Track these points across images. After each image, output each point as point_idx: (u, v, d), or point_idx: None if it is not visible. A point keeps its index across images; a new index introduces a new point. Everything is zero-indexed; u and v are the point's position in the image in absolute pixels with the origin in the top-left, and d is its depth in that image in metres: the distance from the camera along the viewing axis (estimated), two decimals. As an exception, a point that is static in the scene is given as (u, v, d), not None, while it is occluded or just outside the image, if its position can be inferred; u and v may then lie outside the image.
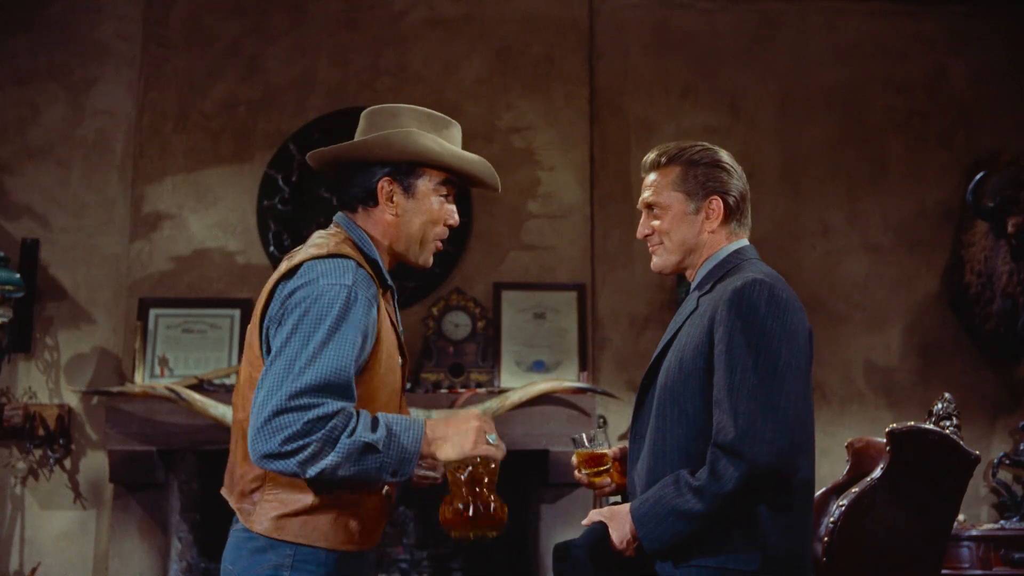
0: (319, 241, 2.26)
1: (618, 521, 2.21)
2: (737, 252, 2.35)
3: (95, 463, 5.22)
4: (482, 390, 5.13)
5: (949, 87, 5.69)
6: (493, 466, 2.46)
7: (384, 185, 2.29)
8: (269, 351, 2.14)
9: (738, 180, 2.36)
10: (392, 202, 2.31)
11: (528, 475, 5.29)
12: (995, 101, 5.67)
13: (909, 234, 5.60)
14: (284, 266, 2.23)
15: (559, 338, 5.39)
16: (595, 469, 2.41)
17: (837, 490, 3.21)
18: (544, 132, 5.57)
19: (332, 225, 2.35)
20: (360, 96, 5.51)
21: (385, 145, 2.25)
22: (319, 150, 2.35)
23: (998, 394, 5.47)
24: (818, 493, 3.24)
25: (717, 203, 2.33)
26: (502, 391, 5.06)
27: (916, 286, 5.57)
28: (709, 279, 2.32)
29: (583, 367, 5.31)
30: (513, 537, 4.95)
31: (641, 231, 2.40)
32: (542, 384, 5.04)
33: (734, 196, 2.34)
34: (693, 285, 2.39)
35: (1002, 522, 4.76)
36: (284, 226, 5.41)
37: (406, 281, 5.39)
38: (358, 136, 2.33)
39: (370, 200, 2.30)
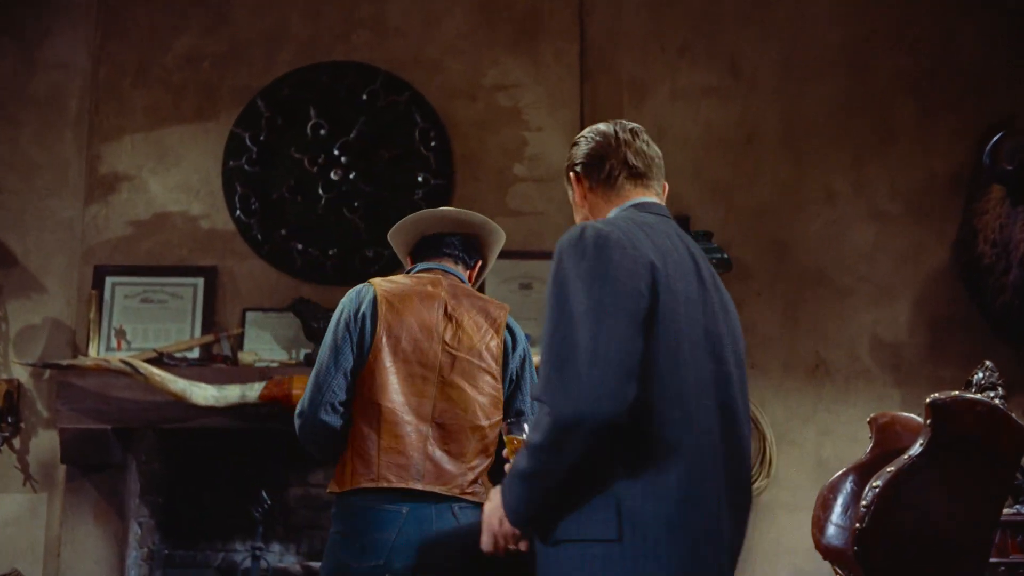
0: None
1: (495, 502, 2.15)
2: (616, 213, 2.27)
3: (46, 443, 4.85)
4: (464, 365, 4.77)
5: (960, 48, 5.35)
6: None
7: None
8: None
9: (585, 145, 2.31)
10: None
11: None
12: (1008, 63, 5.33)
13: (918, 202, 5.26)
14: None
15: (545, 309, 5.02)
16: None
17: (859, 470, 2.90)
18: (531, 90, 5.21)
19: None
20: (334, 50, 5.15)
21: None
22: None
23: (1012, 371, 5.11)
24: (836, 474, 2.92)
25: (572, 176, 2.34)
26: (485, 366, 4.70)
27: (925, 257, 5.24)
28: None
29: (572, 341, 4.95)
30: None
31: None
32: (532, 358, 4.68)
33: (580, 162, 2.31)
34: None
35: (1017, 507, 4.44)
36: (252, 188, 5.05)
37: (384, 248, 5.02)
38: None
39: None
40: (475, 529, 2.21)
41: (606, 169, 2.27)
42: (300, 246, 5.01)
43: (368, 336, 2.76)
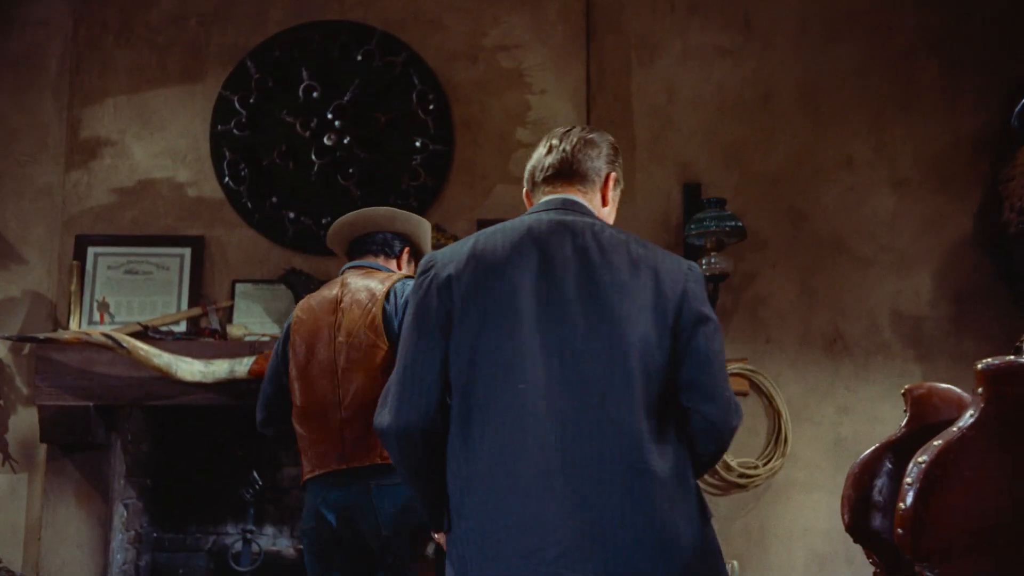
0: None
1: None
2: None
3: (26, 421, 4.62)
4: (464, 339, 4.54)
5: (985, 2, 5.08)
6: None
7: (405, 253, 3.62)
8: None
9: (536, 152, 2.47)
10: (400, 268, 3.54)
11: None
12: (1036, 22, 5.07)
13: (941, 168, 5.02)
14: None
15: (551, 281, 4.78)
16: None
17: (893, 446, 2.66)
18: (535, 51, 4.96)
19: None
20: (327, 8, 4.91)
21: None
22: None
23: (1038, 346, 4.90)
24: (867, 452, 2.68)
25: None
26: (487, 340, 4.48)
27: (948, 225, 4.99)
28: None
29: (578, 314, 4.72)
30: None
31: None
32: (532, 331, 4.46)
33: (527, 169, 2.47)
34: None
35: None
36: (241, 154, 4.80)
37: (379, 217, 4.78)
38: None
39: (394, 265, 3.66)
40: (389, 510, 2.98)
41: (533, 183, 2.44)
42: (292, 215, 4.77)
43: (281, 355, 3.38)
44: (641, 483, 2.07)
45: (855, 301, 4.92)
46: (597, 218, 2.32)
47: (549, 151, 2.40)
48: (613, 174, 2.43)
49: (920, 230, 4.98)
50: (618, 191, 2.46)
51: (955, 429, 2.11)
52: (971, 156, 5.01)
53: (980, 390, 2.12)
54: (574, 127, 2.47)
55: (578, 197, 2.35)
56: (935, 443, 2.10)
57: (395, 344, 3.03)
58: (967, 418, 2.11)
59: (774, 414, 4.77)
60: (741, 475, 4.70)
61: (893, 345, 4.89)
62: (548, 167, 2.38)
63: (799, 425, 4.77)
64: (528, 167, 2.45)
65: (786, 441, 4.73)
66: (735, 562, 3.70)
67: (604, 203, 2.41)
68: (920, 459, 2.09)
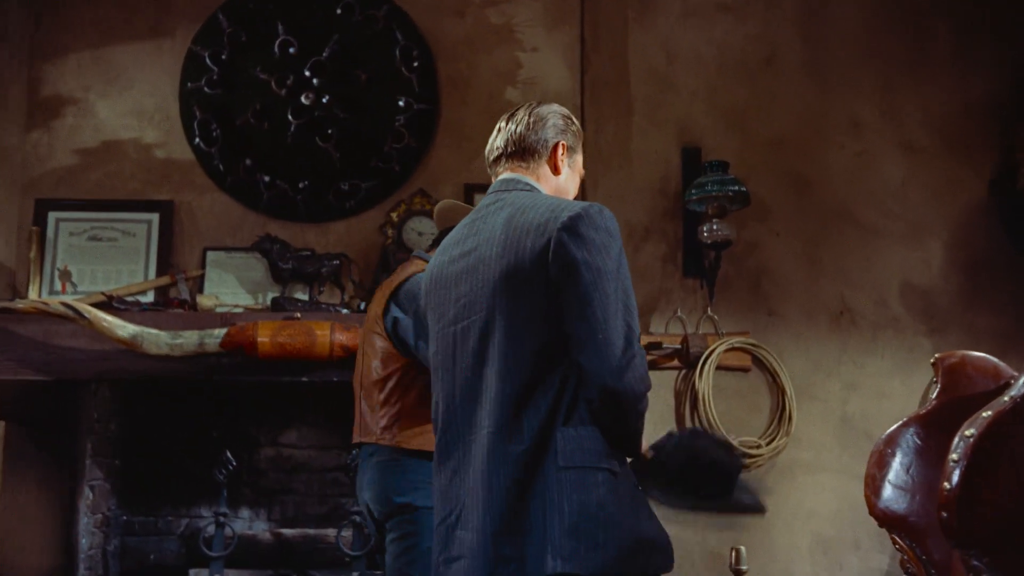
0: None
1: None
2: None
3: (-17, 397, 4.34)
4: (451, 310, 4.28)
5: (1001, -36, 4.84)
6: None
7: None
8: None
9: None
10: None
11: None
12: (1053, -19, 4.82)
13: (953, 133, 4.78)
14: None
15: (543, 250, 4.52)
16: None
17: (922, 420, 2.41)
18: (526, 5, 4.75)
19: None
20: (304, -42, 4.61)
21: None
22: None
23: (1054, 320, 4.67)
24: (892, 427, 2.44)
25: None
26: (475, 311, 4.22)
27: (960, 193, 4.76)
28: None
29: (571, 284, 4.46)
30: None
31: None
32: (523, 302, 4.20)
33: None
34: None
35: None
36: (212, 113, 4.54)
37: (361, 181, 4.51)
38: None
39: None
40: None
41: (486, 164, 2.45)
42: (267, 178, 4.50)
43: None
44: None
45: (862, 272, 4.68)
46: (536, 190, 2.31)
47: (497, 133, 2.42)
48: (562, 142, 2.40)
49: (930, 198, 4.75)
50: (574, 158, 2.45)
51: (1007, 399, 1.86)
52: (984, 121, 4.78)
53: (1037, 354, 1.86)
54: (524, 105, 2.45)
55: (519, 174, 2.35)
56: (984, 414, 1.85)
57: (392, 338, 3.10)
58: (1020, 385, 1.86)
59: (778, 391, 4.53)
60: (743, 455, 4.46)
61: (902, 318, 4.65)
62: (495, 149, 2.41)
63: (804, 402, 4.53)
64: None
65: (790, 419, 4.49)
66: (742, 548, 3.45)
67: (556, 172, 2.39)
68: (967, 433, 1.84)
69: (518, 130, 2.36)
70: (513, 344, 2.05)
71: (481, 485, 2.03)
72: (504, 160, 2.37)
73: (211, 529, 4.34)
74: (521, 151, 2.35)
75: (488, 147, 2.42)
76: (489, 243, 2.16)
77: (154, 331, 3.99)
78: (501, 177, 2.36)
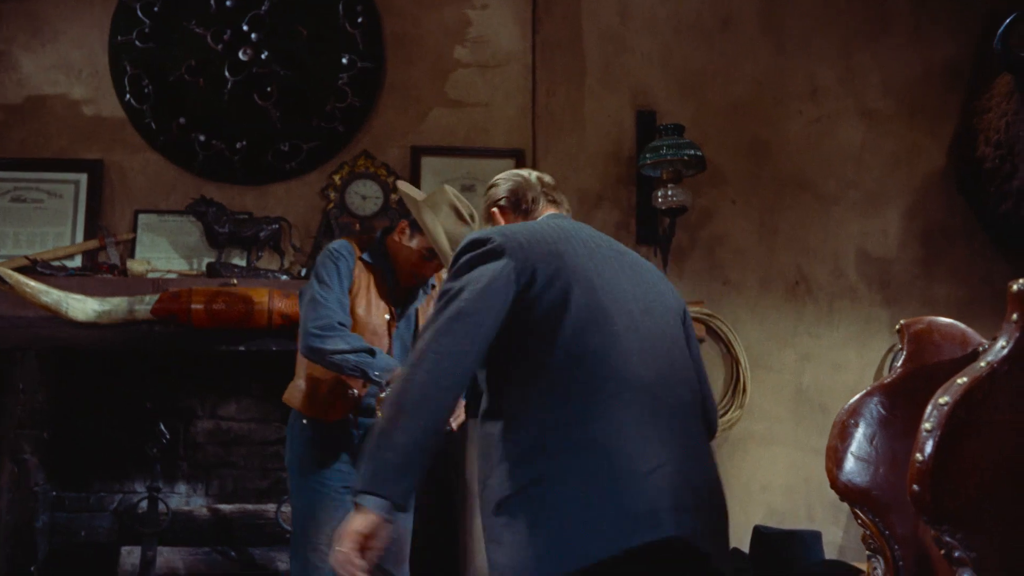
0: None
1: None
2: None
3: (-102, 366, 4.10)
4: (395, 277, 4.11)
5: (962, -75, 4.73)
6: None
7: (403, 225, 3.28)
8: None
9: (506, 182, 2.56)
10: (403, 238, 3.25)
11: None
12: (1015, -57, 4.71)
13: (912, 98, 4.67)
14: None
15: (492, 216, 4.36)
16: None
17: (887, 390, 2.28)
18: (476, -40, 4.50)
19: None
20: (243, -94, 4.37)
21: (417, 208, 3.16)
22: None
23: (1011, 290, 4.59)
24: (856, 397, 2.32)
25: (497, 211, 2.53)
26: (420, 279, 4.06)
27: (919, 161, 4.66)
28: None
29: (521, 251, 4.31)
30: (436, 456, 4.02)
31: None
32: (471, 269, 4.04)
33: (503, 197, 2.53)
34: None
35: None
36: (144, 69, 4.30)
37: (302, 142, 4.31)
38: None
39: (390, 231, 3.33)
40: None
41: (521, 197, 2.50)
42: (202, 138, 4.28)
43: None
44: None
45: (819, 241, 4.57)
46: None
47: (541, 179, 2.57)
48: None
49: (889, 166, 4.64)
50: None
51: (983, 364, 1.73)
52: (944, 87, 4.68)
53: (1015, 316, 1.75)
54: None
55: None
56: (959, 381, 1.73)
57: None
58: (998, 350, 1.74)
59: (732, 362, 4.42)
60: (696, 427, 4.34)
61: (859, 288, 4.55)
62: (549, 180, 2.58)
63: (758, 373, 4.42)
64: (511, 186, 2.54)
65: (744, 391, 4.38)
66: None
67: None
68: (941, 401, 1.71)
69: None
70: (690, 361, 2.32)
71: (695, 449, 2.19)
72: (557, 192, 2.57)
73: (144, 505, 4.16)
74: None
75: (541, 175, 2.56)
76: (641, 263, 2.35)
77: (80, 297, 3.78)
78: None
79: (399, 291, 3.26)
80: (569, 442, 1.98)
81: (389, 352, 3.17)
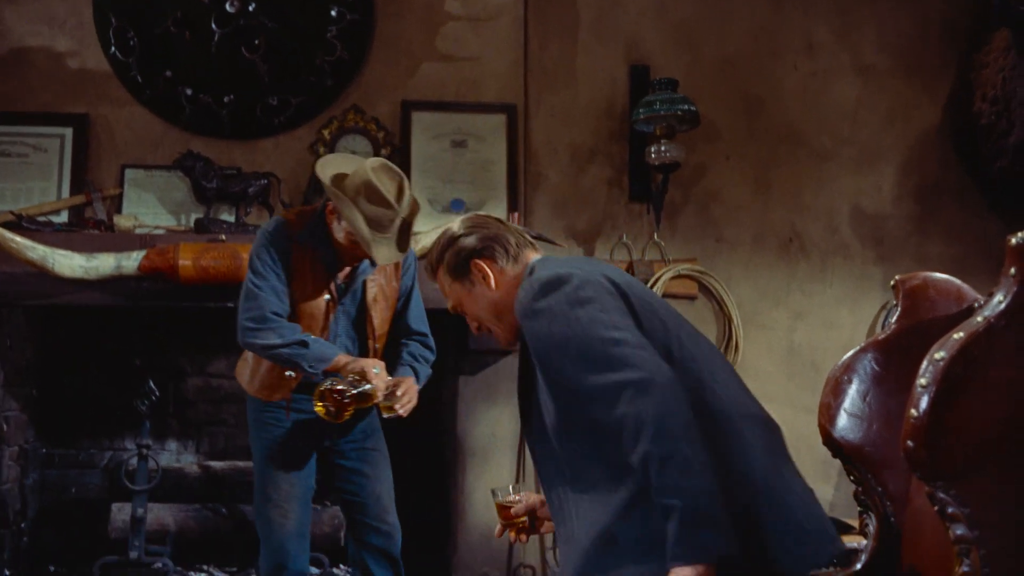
0: None
1: None
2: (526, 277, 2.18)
3: None
4: (386, 233, 4.06)
5: None
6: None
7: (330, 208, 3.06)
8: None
9: (474, 230, 2.24)
10: (332, 221, 3.05)
11: (444, 340, 4.28)
12: None
13: (908, 55, 4.63)
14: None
15: (483, 172, 4.33)
16: (509, 521, 2.35)
17: (881, 346, 2.26)
18: (467, -90, 4.42)
19: None
20: None
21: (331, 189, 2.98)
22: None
23: (1003, 250, 4.57)
24: (849, 353, 2.29)
25: (476, 266, 2.22)
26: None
27: (914, 117, 4.62)
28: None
29: (513, 207, 4.29)
30: (427, 414, 4.00)
31: (472, 327, 2.33)
32: (462, 225, 3.99)
33: (482, 247, 2.22)
34: None
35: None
36: (130, 20, 4.22)
37: (291, 96, 4.24)
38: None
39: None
40: None
41: (500, 243, 2.23)
42: (189, 91, 4.21)
43: None
44: None
45: (813, 198, 4.54)
46: None
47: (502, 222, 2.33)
48: None
49: (884, 121, 4.60)
50: None
51: (980, 319, 1.70)
52: (940, 42, 4.63)
53: (1013, 270, 1.72)
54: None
55: None
56: (955, 336, 1.70)
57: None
58: (995, 304, 1.71)
59: (724, 319, 4.40)
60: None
61: (852, 246, 4.53)
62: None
63: (750, 331, 4.40)
64: (485, 233, 2.25)
65: (737, 349, 4.36)
66: None
67: None
68: (937, 356, 1.69)
69: None
70: None
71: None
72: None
73: (134, 462, 4.15)
74: None
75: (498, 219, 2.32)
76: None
77: (67, 253, 3.73)
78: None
79: (344, 265, 3.12)
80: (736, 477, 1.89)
81: (325, 333, 3.10)
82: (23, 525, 4.30)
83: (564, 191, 4.42)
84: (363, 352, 3.19)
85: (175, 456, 4.71)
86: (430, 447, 4.48)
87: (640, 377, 1.82)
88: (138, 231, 3.98)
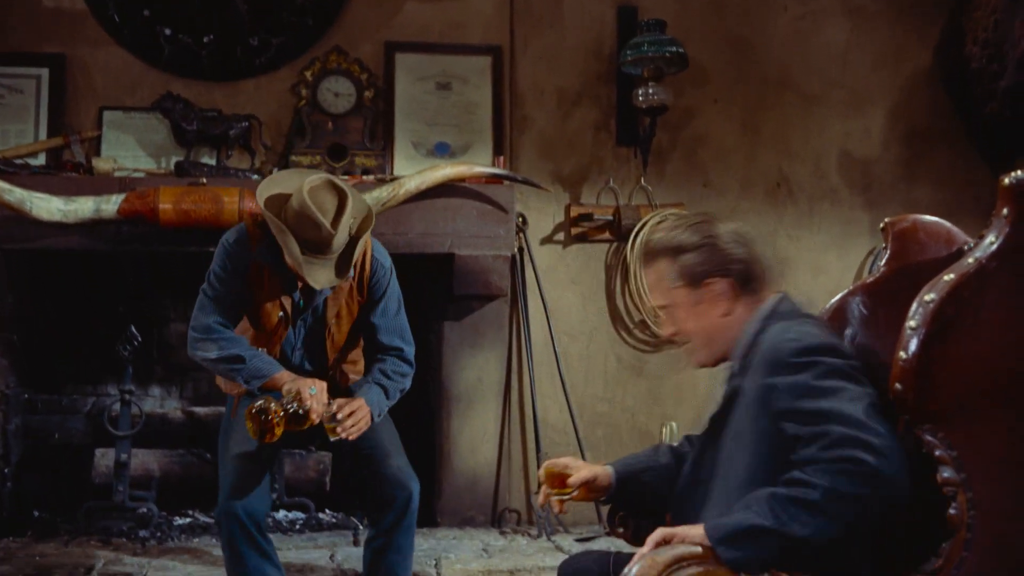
0: None
1: None
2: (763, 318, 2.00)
3: None
4: (369, 177, 4.01)
5: None
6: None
7: None
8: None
9: (735, 248, 2.00)
10: None
11: (429, 285, 4.25)
12: None
13: (899, -4, 4.57)
14: None
15: (468, 115, 4.28)
16: (559, 491, 2.18)
17: (869, 290, 2.23)
18: None
19: None
20: None
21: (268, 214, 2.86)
22: None
23: (993, 194, 4.53)
24: (837, 297, 2.27)
25: (718, 284, 1.98)
26: (394, 179, 3.95)
27: (904, 60, 4.57)
28: (741, 357, 1.98)
29: (498, 152, 4.24)
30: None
31: (665, 330, 2.11)
32: (447, 169, 3.95)
33: (736, 269, 1.99)
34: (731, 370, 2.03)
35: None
36: (106, -44, 4.10)
37: (272, 36, 4.16)
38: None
39: None
40: None
41: (755, 277, 2.02)
42: (168, 31, 4.13)
43: None
44: None
45: (802, 142, 4.51)
46: None
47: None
48: None
49: (874, 65, 4.56)
50: None
51: (971, 260, 1.68)
52: (932, -16, 4.57)
53: (1005, 211, 1.70)
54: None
55: None
56: (946, 278, 1.68)
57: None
58: (986, 246, 1.69)
59: (711, 264, 4.37)
60: (674, 330, 4.32)
61: (840, 190, 4.50)
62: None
63: (737, 277, 4.37)
64: (744, 256, 2.02)
65: (723, 294, 4.34)
66: (673, 424, 3.33)
67: None
68: (927, 298, 1.66)
69: None
70: None
71: None
72: None
73: (117, 407, 4.12)
74: None
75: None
76: None
77: (45, 196, 3.68)
78: None
79: (301, 281, 2.93)
80: None
81: (277, 346, 2.99)
82: (6, 471, 4.28)
83: (550, 135, 4.37)
84: (322, 369, 3.04)
85: (159, 402, 4.68)
86: (415, 393, 4.45)
87: (879, 444, 1.64)
88: (117, 174, 3.92)
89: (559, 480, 2.18)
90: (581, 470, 2.15)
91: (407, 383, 3.09)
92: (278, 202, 2.86)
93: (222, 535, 2.81)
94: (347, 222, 2.81)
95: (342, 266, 2.85)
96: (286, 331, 3.00)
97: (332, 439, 2.85)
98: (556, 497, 2.15)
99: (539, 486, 2.22)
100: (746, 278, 2.00)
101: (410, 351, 3.09)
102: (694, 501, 1.97)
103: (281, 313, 2.97)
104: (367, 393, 2.93)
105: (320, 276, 2.81)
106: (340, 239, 2.80)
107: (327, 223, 2.75)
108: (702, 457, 2.02)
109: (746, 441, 1.86)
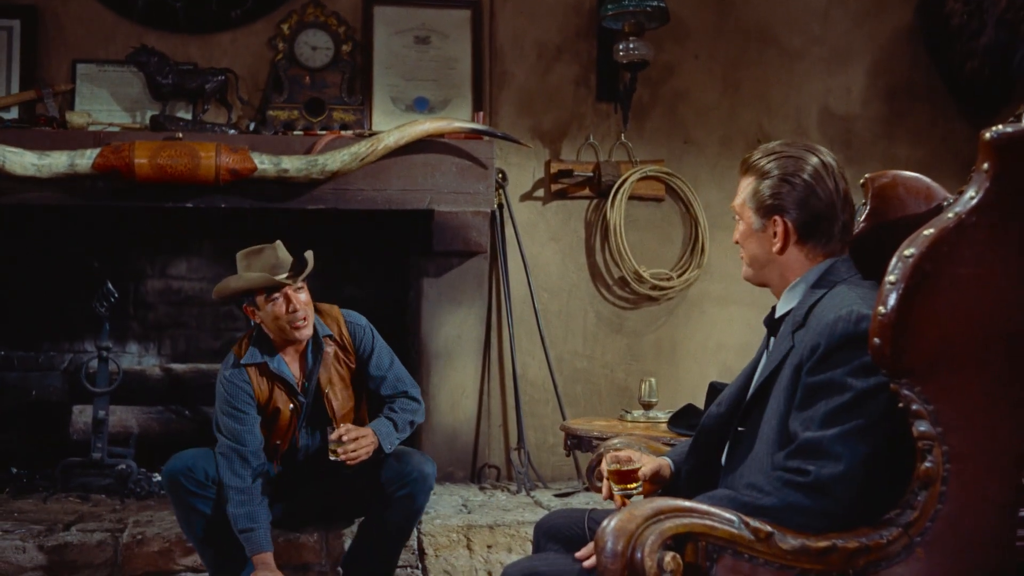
0: None
1: None
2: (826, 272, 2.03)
3: None
4: (348, 132, 3.98)
5: None
6: None
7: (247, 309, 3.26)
8: None
9: (813, 197, 2.02)
10: (256, 316, 3.22)
11: (407, 241, 4.23)
12: None
13: (882, -50, 4.53)
14: None
15: (448, 69, 4.23)
16: (625, 487, 2.17)
17: (849, 247, 2.23)
18: None
19: None
20: None
21: (225, 290, 3.23)
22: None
23: (972, 151, 4.54)
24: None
25: (779, 224, 2.02)
26: (373, 134, 3.92)
27: (886, 16, 4.56)
28: (801, 308, 2.02)
29: (478, 107, 4.20)
30: (390, 316, 3.97)
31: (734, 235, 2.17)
32: (426, 124, 3.92)
33: (802, 217, 2.01)
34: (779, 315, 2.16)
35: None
36: (76, -95, 4.00)
37: (247, -12, 4.10)
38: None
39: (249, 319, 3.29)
40: None
41: (822, 229, 2.03)
42: (142, -18, 4.05)
43: None
44: None
45: (782, 98, 4.49)
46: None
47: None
48: None
49: (855, 20, 4.53)
50: None
51: (951, 215, 1.68)
52: (915, -62, 4.53)
53: (986, 165, 1.70)
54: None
55: None
56: (925, 232, 1.68)
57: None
58: (967, 200, 1.69)
59: (691, 221, 4.38)
60: (654, 287, 4.33)
61: (821, 147, 4.48)
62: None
63: (717, 233, 4.38)
64: (817, 206, 2.03)
65: (703, 251, 4.35)
66: (652, 380, 3.34)
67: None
68: (906, 252, 1.67)
69: None
70: None
71: None
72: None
73: (94, 364, 4.09)
74: None
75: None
76: None
77: (18, 150, 3.63)
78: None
79: (296, 366, 3.24)
80: None
81: (291, 433, 3.24)
82: (-17, 428, 4.27)
83: (530, 90, 4.33)
84: (324, 439, 3.20)
85: (137, 359, 4.65)
86: (394, 349, 4.46)
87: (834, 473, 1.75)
88: (91, 128, 3.87)
89: (627, 476, 2.19)
90: (646, 463, 2.22)
91: (417, 416, 3.32)
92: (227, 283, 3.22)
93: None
94: (280, 245, 3.18)
95: (298, 268, 3.16)
96: (298, 419, 3.24)
97: (331, 459, 3.04)
98: (619, 493, 2.17)
99: (601, 478, 2.27)
100: (810, 230, 2.01)
101: (415, 391, 3.35)
102: (739, 451, 2.04)
103: (291, 406, 3.21)
104: (375, 425, 3.17)
105: (280, 275, 3.11)
106: (282, 252, 3.17)
107: (263, 246, 3.15)
108: (748, 410, 2.07)
109: (787, 396, 1.91)
